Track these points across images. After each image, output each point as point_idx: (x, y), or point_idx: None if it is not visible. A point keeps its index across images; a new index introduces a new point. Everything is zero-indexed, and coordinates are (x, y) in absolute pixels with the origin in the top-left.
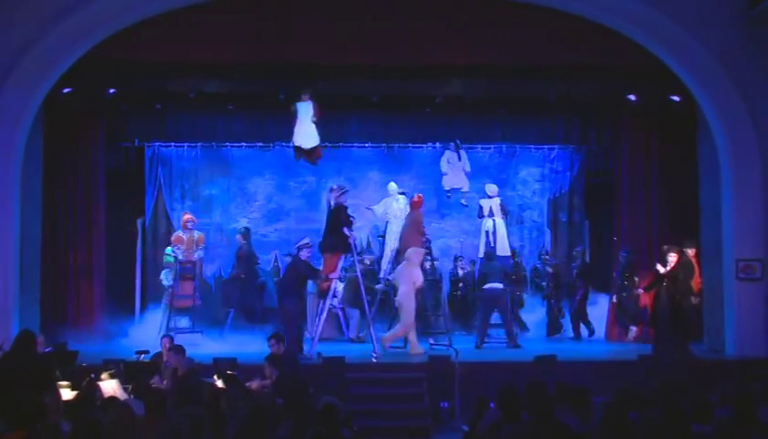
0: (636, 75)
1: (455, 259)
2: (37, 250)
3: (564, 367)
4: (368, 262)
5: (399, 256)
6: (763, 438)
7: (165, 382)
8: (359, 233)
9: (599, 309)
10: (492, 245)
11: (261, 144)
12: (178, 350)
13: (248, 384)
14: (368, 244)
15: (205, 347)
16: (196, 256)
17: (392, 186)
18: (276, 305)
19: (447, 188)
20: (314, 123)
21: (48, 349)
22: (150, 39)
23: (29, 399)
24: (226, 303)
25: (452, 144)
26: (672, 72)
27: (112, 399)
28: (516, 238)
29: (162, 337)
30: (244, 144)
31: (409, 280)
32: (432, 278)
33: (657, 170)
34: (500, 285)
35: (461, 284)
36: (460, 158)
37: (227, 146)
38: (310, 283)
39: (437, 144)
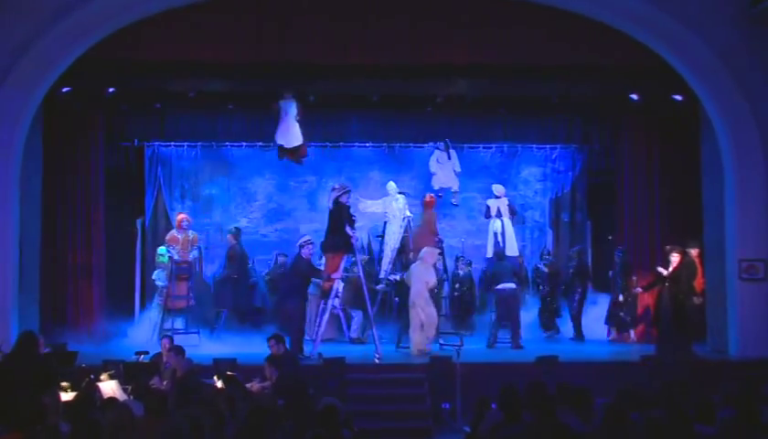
0: (638, 74)
1: (456, 259)
2: (36, 250)
3: (566, 367)
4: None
5: (400, 256)
6: None
7: (164, 383)
8: (359, 233)
9: (599, 309)
10: (501, 246)
11: (261, 143)
12: (178, 351)
13: (248, 385)
14: (369, 244)
15: (203, 347)
16: (191, 256)
17: (391, 185)
18: (268, 306)
19: (436, 188)
20: (298, 121)
21: (47, 350)
22: (150, 38)
23: (29, 400)
24: (219, 303)
25: (441, 143)
26: (674, 71)
27: (112, 400)
28: (518, 238)
29: (162, 338)
30: (244, 143)
31: (422, 279)
32: (444, 278)
33: (660, 170)
34: (513, 285)
35: (457, 285)
36: (450, 158)
37: (227, 146)
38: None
39: (431, 144)
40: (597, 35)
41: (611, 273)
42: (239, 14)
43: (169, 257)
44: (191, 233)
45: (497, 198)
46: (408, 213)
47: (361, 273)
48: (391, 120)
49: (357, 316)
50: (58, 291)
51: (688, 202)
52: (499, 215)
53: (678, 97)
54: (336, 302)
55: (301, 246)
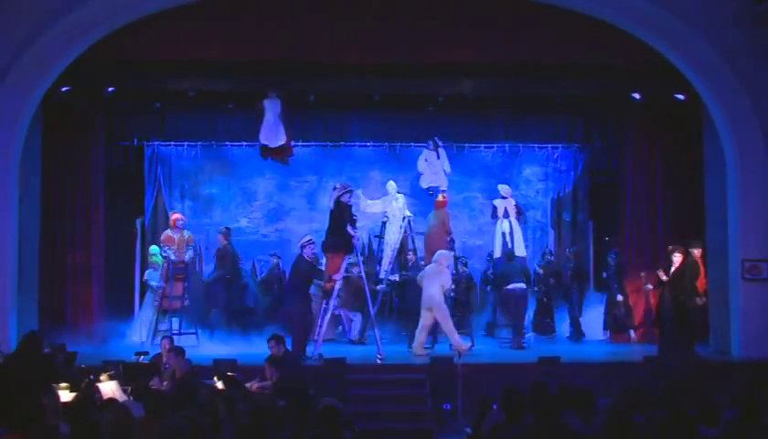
0: (641, 73)
1: (455, 259)
2: (35, 250)
3: (568, 368)
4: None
5: (400, 256)
6: None
7: (164, 384)
8: (359, 233)
9: (599, 310)
10: (510, 246)
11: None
12: (178, 352)
13: (247, 385)
14: (370, 244)
15: (203, 348)
16: (187, 256)
17: (391, 185)
18: (260, 307)
19: (425, 187)
20: (282, 121)
21: (47, 350)
22: (149, 38)
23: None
24: (211, 303)
25: (430, 143)
26: (677, 70)
27: (112, 400)
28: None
29: (161, 339)
30: (244, 143)
31: (437, 282)
32: (455, 278)
33: (662, 169)
34: (523, 285)
35: (452, 286)
36: (439, 157)
37: (227, 145)
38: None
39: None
40: (599, 34)
41: (605, 274)
42: (238, 13)
43: (165, 257)
44: (186, 233)
45: (504, 198)
46: (407, 213)
47: (362, 274)
48: (392, 119)
49: (357, 319)
50: (57, 291)
51: (691, 202)
52: (506, 215)
53: (681, 96)
54: (337, 302)
55: (302, 246)
